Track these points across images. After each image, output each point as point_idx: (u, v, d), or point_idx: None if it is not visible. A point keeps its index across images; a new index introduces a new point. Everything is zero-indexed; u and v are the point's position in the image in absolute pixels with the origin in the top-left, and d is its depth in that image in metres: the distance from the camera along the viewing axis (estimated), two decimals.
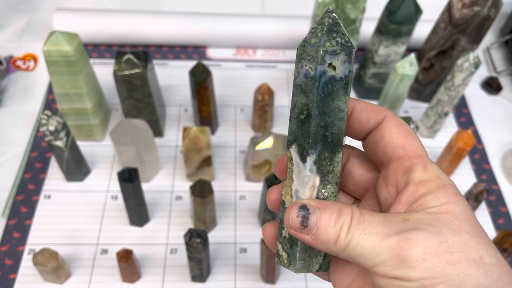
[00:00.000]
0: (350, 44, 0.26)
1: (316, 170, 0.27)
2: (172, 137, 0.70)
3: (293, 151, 0.27)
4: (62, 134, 0.57)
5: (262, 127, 0.69)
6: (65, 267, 0.55)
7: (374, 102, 0.75)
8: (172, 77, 0.77)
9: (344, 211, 0.25)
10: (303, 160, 0.27)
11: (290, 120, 0.27)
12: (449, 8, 0.66)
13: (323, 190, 0.27)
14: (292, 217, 0.25)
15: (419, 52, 0.73)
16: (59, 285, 0.56)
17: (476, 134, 0.74)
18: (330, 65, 0.26)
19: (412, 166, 0.26)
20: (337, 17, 0.26)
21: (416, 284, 0.22)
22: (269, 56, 0.82)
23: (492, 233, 0.63)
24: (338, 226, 0.24)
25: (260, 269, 0.57)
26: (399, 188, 0.27)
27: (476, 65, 0.61)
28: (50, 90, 0.74)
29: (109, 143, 0.68)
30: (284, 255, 0.28)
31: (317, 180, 0.27)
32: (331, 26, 0.26)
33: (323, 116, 0.26)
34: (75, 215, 0.61)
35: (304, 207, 0.25)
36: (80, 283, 0.56)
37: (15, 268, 0.57)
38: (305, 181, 0.27)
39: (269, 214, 0.59)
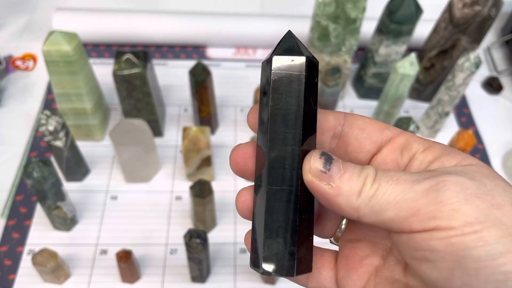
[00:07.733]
0: None
1: None
2: (172, 137, 0.70)
3: None
4: (61, 134, 0.57)
5: None
6: (65, 268, 0.55)
7: (375, 102, 0.75)
8: (172, 77, 0.77)
9: (367, 166, 0.22)
10: None
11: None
12: (449, 8, 0.65)
13: None
14: (315, 158, 0.22)
15: (420, 51, 0.73)
16: (58, 285, 0.56)
17: (477, 134, 0.74)
18: None
19: (408, 140, 0.24)
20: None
21: (458, 232, 0.19)
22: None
23: None
24: (363, 176, 0.22)
25: None
26: (401, 166, 0.25)
27: (477, 65, 0.61)
28: (49, 90, 0.74)
29: (109, 143, 0.68)
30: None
31: None
32: None
33: None
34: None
35: (326, 153, 0.22)
36: (79, 283, 0.56)
37: (14, 268, 0.57)
38: None
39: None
